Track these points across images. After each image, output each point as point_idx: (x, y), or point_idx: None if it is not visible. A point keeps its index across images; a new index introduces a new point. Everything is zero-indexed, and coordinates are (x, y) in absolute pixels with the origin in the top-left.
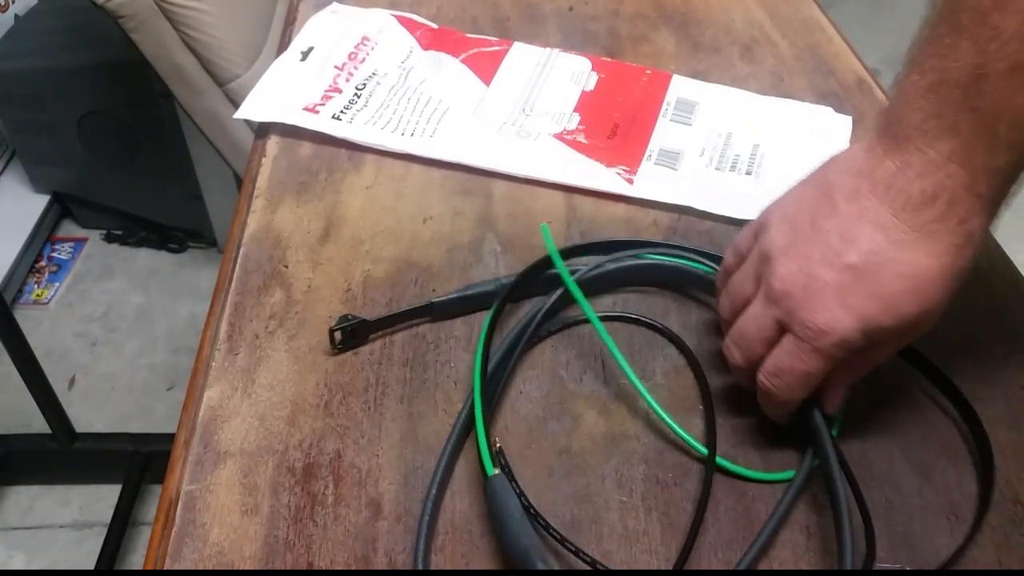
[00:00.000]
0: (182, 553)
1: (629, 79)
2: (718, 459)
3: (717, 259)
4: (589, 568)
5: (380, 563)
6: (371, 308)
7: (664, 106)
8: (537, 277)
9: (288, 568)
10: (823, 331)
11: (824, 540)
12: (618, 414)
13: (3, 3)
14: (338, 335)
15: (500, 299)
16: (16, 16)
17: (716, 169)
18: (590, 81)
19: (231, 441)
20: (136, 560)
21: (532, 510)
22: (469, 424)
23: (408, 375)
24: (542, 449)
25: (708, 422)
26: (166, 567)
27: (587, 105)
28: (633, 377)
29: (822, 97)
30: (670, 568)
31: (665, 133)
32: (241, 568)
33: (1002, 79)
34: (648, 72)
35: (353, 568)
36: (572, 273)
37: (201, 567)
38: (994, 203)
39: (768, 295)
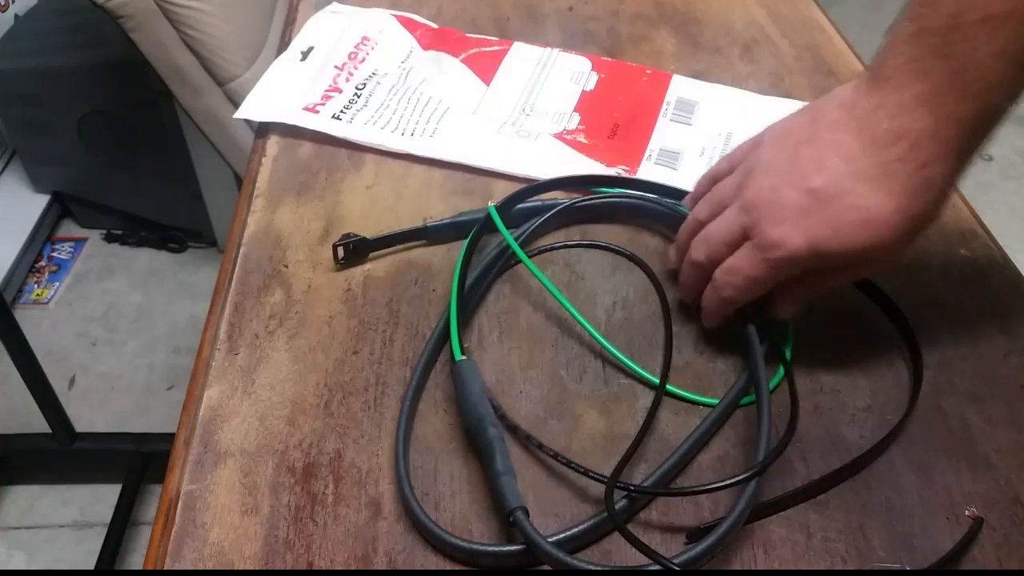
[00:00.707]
0: (182, 553)
1: (629, 79)
2: (668, 386)
3: (665, 191)
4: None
5: (380, 563)
6: (371, 308)
7: (664, 106)
8: (512, 209)
9: (288, 568)
10: (775, 244)
11: (825, 540)
12: (618, 414)
13: (3, 3)
14: (341, 250)
15: (480, 224)
16: (16, 16)
17: None
18: (590, 81)
19: (231, 441)
20: (136, 560)
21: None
22: (443, 339)
23: (408, 375)
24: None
25: (667, 336)
26: (166, 567)
27: (587, 105)
28: (573, 310)
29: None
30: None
31: (665, 133)
32: (241, 568)
33: (973, 29)
34: (648, 72)
35: (353, 568)
36: (546, 210)
37: (201, 567)
38: (959, 154)
39: (742, 203)
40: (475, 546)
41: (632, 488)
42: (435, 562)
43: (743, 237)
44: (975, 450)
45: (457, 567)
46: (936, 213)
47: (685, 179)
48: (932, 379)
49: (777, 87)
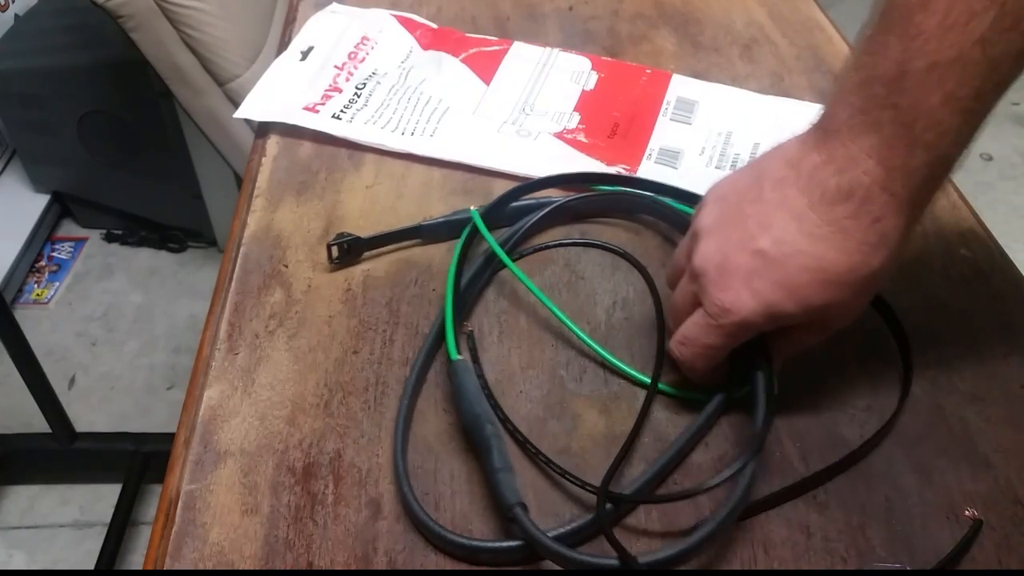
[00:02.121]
0: (182, 553)
1: (629, 78)
2: (661, 384)
3: (665, 190)
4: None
5: (380, 563)
6: (371, 307)
7: (664, 105)
8: (506, 208)
9: (288, 568)
10: (727, 310)
11: (825, 540)
12: (618, 414)
13: (3, 3)
14: (335, 250)
15: (472, 224)
16: (16, 16)
17: (716, 168)
18: (590, 80)
19: (231, 441)
20: (136, 560)
21: (487, 390)
22: (440, 338)
23: (408, 375)
24: (542, 449)
25: (659, 335)
26: (166, 567)
27: (587, 104)
28: (558, 312)
29: (822, 97)
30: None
31: (665, 132)
32: (241, 568)
33: (920, 76)
34: (648, 71)
35: (353, 568)
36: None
37: (201, 567)
38: (913, 206)
39: (690, 271)
40: (474, 542)
41: (621, 497)
42: (435, 562)
43: (697, 304)
44: (975, 450)
45: (457, 566)
46: (893, 265)
47: (685, 178)
48: (932, 379)
49: (777, 87)
